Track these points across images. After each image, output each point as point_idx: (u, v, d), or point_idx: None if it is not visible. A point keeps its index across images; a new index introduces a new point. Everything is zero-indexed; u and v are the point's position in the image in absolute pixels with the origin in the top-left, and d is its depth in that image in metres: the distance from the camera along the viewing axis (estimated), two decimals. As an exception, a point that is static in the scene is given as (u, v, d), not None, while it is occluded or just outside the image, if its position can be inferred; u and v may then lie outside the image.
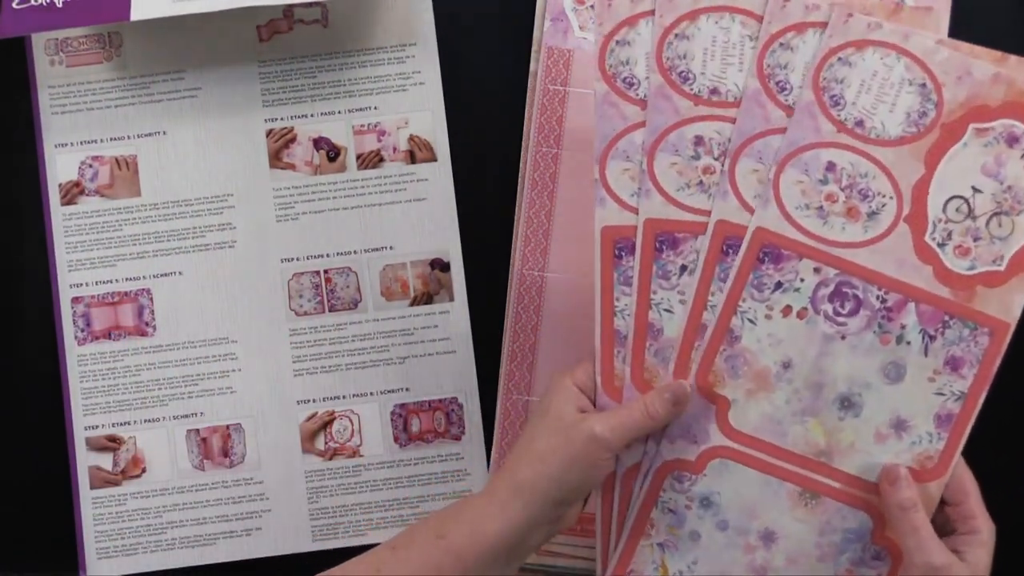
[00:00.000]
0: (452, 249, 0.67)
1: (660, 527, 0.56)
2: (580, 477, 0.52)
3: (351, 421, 0.67)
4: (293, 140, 0.68)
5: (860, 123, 0.54)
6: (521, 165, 0.65)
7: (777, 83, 0.54)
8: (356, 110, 0.68)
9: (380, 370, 0.67)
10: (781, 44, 0.54)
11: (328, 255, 0.68)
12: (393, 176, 0.68)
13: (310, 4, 0.67)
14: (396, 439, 0.67)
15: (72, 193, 0.68)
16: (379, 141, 0.68)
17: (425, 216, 0.68)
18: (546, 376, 0.63)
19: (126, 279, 0.68)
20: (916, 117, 0.53)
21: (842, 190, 0.54)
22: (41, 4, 0.63)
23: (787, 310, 0.54)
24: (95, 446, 0.67)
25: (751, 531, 0.55)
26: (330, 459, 0.67)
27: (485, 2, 0.68)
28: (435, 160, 0.68)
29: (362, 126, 0.68)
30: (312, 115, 0.68)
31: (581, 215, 0.63)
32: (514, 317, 0.63)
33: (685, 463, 0.55)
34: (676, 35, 0.55)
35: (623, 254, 0.56)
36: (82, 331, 0.67)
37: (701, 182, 0.55)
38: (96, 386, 0.67)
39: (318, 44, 0.68)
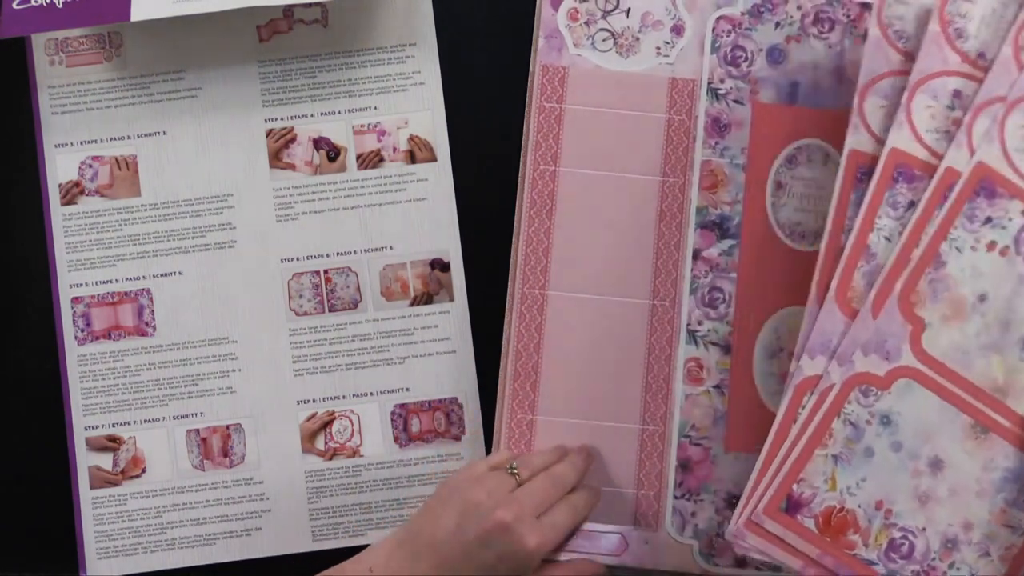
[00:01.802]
0: (452, 249, 0.67)
1: (839, 439, 0.58)
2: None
3: (351, 421, 0.67)
4: (293, 140, 0.68)
5: None
6: (519, 183, 0.65)
7: None
8: (356, 110, 0.68)
9: (380, 370, 0.67)
10: None
11: (328, 255, 0.68)
12: (393, 176, 0.68)
13: (310, 4, 0.67)
14: (396, 439, 0.67)
15: (72, 193, 0.68)
16: (379, 141, 0.68)
17: (425, 216, 0.68)
18: (551, 395, 0.63)
19: (126, 279, 0.68)
20: None
21: None
22: (41, 4, 0.63)
23: (991, 245, 0.57)
24: (95, 446, 0.67)
25: (922, 456, 0.57)
26: (330, 459, 0.67)
27: (485, 2, 0.68)
28: (435, 160, 0.68)
29: (362, 126, 0.68)
30: (312, 115, 0.68)
31: (581, 233, 0.63)
32: (516, 337, 0.63)
33: (874, 378, 0.57)
34: None
35: (863, 178, 0.59)
36: (82, 331, 0.68)
37: (948, 131, 0.58)
38: (96, 386, 0.67)
39: (318, 44, 0.68)
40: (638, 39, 0.64)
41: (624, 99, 0.63)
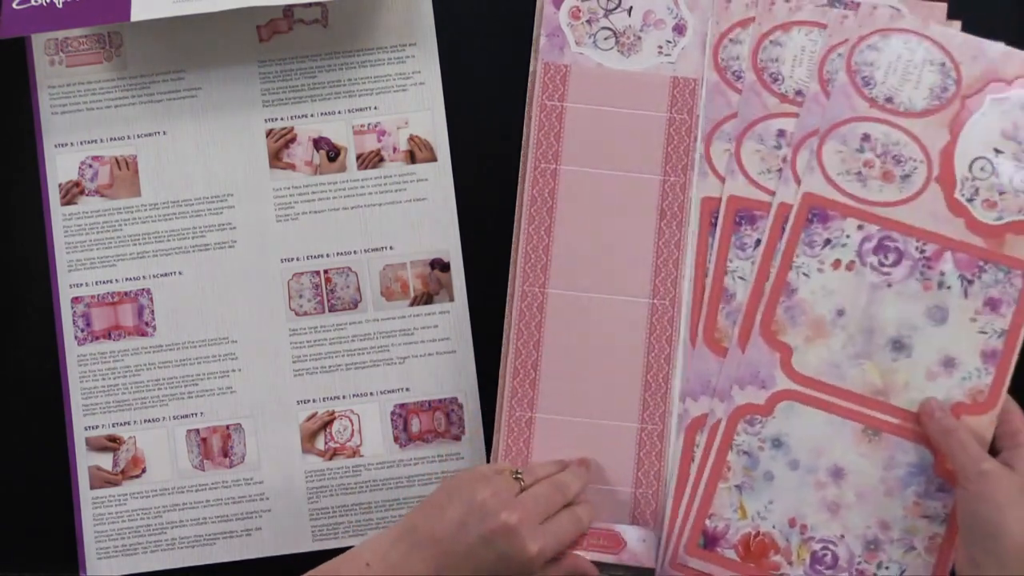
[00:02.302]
0: (452, 249, 0.67)
1: (737, 469, 0.61)
2: None
3: (351, 421, 0.67)
4: (293, 140, 0.68)
5: (889, 99, 0.62)
6: (520, 182, 0.65)
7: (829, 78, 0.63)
8: (356, 110, 0.68)
9: (380, 370, 0.67)
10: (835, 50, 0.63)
11: (328, 255, 0.68)
12: (393, 176, 0.68)
13: (310, 4, 0.67)
14: (396, 439, 0.67)
15: (72, 193, 0.68)
16: (379, 141, 0.68)
17: (425, 216, 0.68)
18: (550, 392, 0.63)
19: (126, 279, 0.68)
20: (939, 91, 0.62)
21: (877, 157, 0.61)
22: (41, 4, 0.63)
23: (836, 263, 0.61)
24: (95, 446, 0.67)
25: (820, 468, 0.61)
26: (330, 459, 0.67)
27: (485, 2, 0.68)
28: (435, 160, 0.68)
29: (362, 126, 0.68)
30: (312, 115, 0.68)
31: (581, 230, 0.63)
32: (516, 334, 0.63)
33: (756, 407, 0.61)
34: (771, 41, 0.63)
35: (716, 223, 0.63)
36: (82, 331, 0.68)
37: (780, 169, 0.62)
38: (96, 386, 0.67)
39: (318, 44, 0.68)
40: (640, 38, 0.64)
41: (625, 98, 0.64)
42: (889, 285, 0.61)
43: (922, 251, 0.61)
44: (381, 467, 0.67)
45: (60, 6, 0.63)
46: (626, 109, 0.63)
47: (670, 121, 0.63)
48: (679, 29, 0.64)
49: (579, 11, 0.64)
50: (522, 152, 0.66)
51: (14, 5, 0.63)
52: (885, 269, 0.61)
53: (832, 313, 0.61)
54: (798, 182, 0.61)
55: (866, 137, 0.62)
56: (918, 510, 0.60)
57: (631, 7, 0.64)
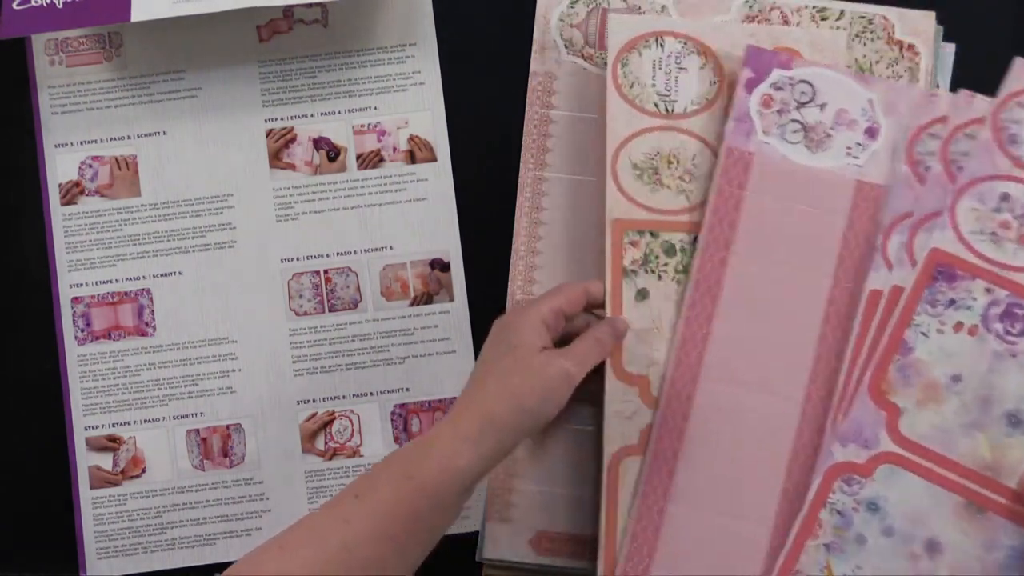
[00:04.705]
0: (452, 249, 0.67)
1: (827, 528, 0.58)
2: (550, 411, 0.54)
3: (351, 421, 0.67)
4: (293, 140, 0.68)
5: None
6: (520, 181, 0.65)
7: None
8: (356, 110, 0.68)
9: (380, 370, 0.67)
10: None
11: (328, 255, 0.68)
12: (393, 176, 0.68)
13: (310, 4, 0.67)
14: (396, 439, 0.67)
15: (72, 193, 0.68)
16: (379, 141, 0.68)
17: (425, 216, 0.68)
18: (686, 484, 0.60)
19: (126, 279, 0.68)
20: None
21: (1015, 218, 0.59)
22: (41, 4, 0.63)
23: (959, 326, 0.58)
24: (95, 446, 0.67)
25: (916, 539, 0.57)
26: (330, 459, 0.67)
27: (485, 2, 0.68)
28: (435, 160, 0.68)
29: (362, 126, 0.68)
30: (312, 115, 0.68)
31: (741, 324, 0.61)
32: (661, 421, 0.60)
33: (855, 466, 0.58)
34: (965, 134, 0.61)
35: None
36: (82, 331, 0.68)
37: (994, 232, 0.60)
38: (96, 386, 0.67)
39: (318, 44, 0.68)
40: (829, 135, 0.61)
41: (807, 195, 0.61)
42: (1013, 356, 0.58)
43: None
44: (381, 467, 0.67)
45: (60, 6, 0.63)
46: (806, 206, 0.61)
47: (849, 226, 0.60)
48: (871, 132, 0.61)
49: (771, 100, 0.61)
50: (522, 154, 0.66)
51: (14, 5, 0.63)
52: (1011, 338, 0.58)
53: (947, 377, 0.58)
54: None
55: (1005, 197, 0.59)
56: None
57: (824, 103, 0.61)
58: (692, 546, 0.59)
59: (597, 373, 0.59)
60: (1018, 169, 0.59)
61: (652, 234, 0.62)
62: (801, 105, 0.61)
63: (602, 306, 0.61)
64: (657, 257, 0.62)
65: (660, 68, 0.63)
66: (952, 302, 0.58)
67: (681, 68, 0.63)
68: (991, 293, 0.58)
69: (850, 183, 0.61)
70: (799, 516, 0.58)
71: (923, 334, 0.58)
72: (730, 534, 0.59)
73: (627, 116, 0.63)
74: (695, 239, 0.61)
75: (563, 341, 0.58)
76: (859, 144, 0.61)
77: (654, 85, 0.63)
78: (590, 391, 0.60)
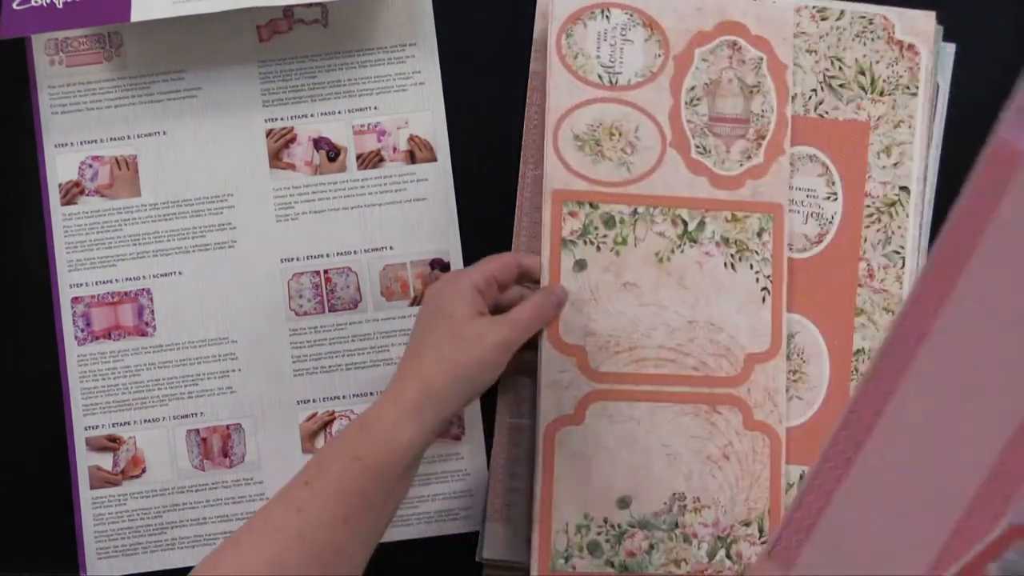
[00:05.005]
0: (452, 249, 0.67)
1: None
2: (488, 378, 0.55)
3: (351, 421, 0.67)
4: (293, 140, 0.68)
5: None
6: (520, 181, 0.65)
7: None
8: (356, 110, 0.68)
9: (380, 370, 0.67)
10: None
11: (328, 255, 0.68)
12: (393, 176, 0.68)
13: (310, 4, 0.67)
14: (396, 439, 0.67)
15: (72, 193, 0.68)
16: (379, 141, 0.68)
17: (425, 216, 0.68)
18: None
19: (126, 279, 0.68)
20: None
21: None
22: (41, 4, 0.63)
23: None
24: (95, 446, 0.67)
25: None
26: (330, 459, 0.67)
27: (485, 2, 0.68)
28: (435, 160, 0.68)
29: (362, 126, 0.68)
30: (312, 115, 0.68)
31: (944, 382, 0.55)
32: (808, 486, 0.57)
33: None
34: None
35: None
36: (82, 331, 0.67)
37: None
38: (96, 386, 0.67)
39: (318, 44, 0.68)
40: None
41: None
42: None
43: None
44: (381, 467, 0.67)
45: (60, 6, 0.63)
46: None
47: None
48: None
49: None
50: (522, 154, 0.66)
51: (14, 5, 0.63)
52: None
53: None
54: None
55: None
56: None
57: None
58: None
59: (531, 345, 0.60)
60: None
61: (592, 205, 0.62)
62: None
63: (536, 280, 0.62)
64: (596, 228, 0.62)
65: (605, 40, 0.64)
66: None
67: (626, 40, 0.63)
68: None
69: None
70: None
71: None
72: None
73: (570, 87, 0.63)
74: (634, 211, 0.62)
75: (496, 312, 0.58)
76: None
77: (598, 57, 0.63)
78: (525, 361, 0.61)
